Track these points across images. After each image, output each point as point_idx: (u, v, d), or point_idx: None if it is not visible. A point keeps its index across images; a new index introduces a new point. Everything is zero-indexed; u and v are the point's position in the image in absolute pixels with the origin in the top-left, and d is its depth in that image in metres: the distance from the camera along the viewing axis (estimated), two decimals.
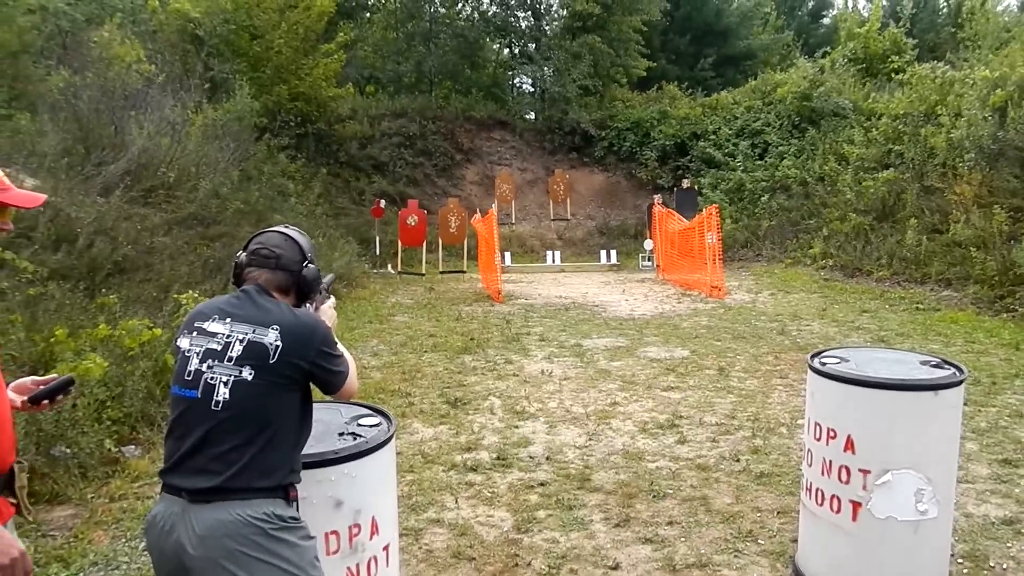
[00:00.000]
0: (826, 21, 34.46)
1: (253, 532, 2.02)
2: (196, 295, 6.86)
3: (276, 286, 2.26)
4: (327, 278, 2.50)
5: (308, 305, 2.35)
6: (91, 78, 11.49)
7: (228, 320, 2.16)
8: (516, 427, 6.08)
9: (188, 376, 2.12)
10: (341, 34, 19.80)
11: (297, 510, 2.18)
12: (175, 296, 7.13)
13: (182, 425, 2.11)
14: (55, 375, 2.36)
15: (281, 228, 2.38)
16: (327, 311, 2.42)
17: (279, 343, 2.11)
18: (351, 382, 2.31)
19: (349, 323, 10.52)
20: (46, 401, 2.28)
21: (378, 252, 17.04)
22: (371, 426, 2.77)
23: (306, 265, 2.30)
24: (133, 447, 5.42)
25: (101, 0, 15.84)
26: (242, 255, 2.30)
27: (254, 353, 2.10)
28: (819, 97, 19.67)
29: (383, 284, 14.88)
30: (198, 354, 2.13)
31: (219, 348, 2.12)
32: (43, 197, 2.22)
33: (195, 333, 2.18)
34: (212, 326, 2.16)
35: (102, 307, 6.57)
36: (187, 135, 12.36)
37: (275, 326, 2.13)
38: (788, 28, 31.24)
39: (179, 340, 2.21)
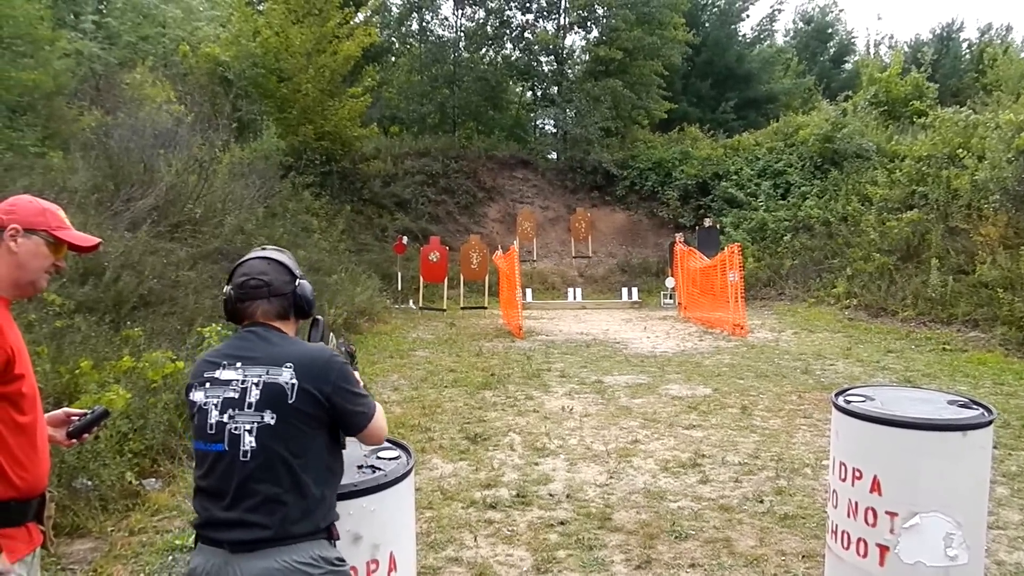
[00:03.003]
0: (848, 66, 34.59)
1: None
2: (219, 328, 6.90)
3: (276, 314, 2.20)
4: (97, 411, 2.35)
5: (328, 331, 2.31)
6: (122, 118, 11.75)
7: (239, 365, 2.10)
8: (536, 464, 6.02)
9: (211, 430, 2.06)
10: (367, 78, 20.14)
11: (336, 548, 2.15)
12: (199, 329, 7.18)
13: (213, 480, 2.06)
14: (86, 409, 2.36)
15: (259, 252, 2.29)
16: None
17: (295, 380, 2.05)
18: (377, 424, 2.22)
19: (370, 358, 10.52)
20: (86, 435, 2.30)
21: (400, 287, 17.12)
22: (390, 459, 2.74)
23: (298, 283, 2.24)
24: (154, 480, 5.42)
25: (134, 45, 16.27)
26: (228, 289, 2.23)
27: (272, 395, 2.04)
28: (842, 139, 19.68)
29: (404, 319, 14.91)
30: (216, 405, 2.07)
31: (236, 396, 2.06)
32: (97, 240, 2.25)
33: (208, 384, 2.11)
34: (225, 374, 2.10)
35: (127, 339, 6.63)
36: (214, 172, 12.56)
37: (288, 364, 2.07)
38: (810, 73, 31.40)
39: (192, 394, 2.14)
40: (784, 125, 22.10)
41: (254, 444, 2.02)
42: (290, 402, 2.04)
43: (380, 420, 2.24)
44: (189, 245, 10.10)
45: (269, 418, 2.03)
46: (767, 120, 24.50)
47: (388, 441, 2.94)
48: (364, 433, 2.20)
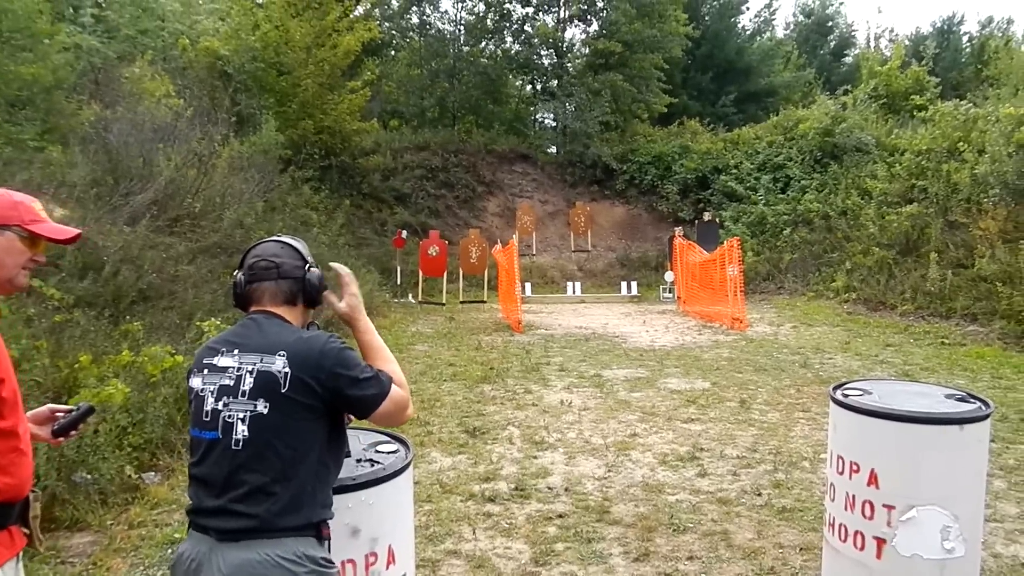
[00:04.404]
0: (848, 60, 34.54)
1: (281, 574, 1.94)
2: (219, 322, 6.90)
3: (283, 298, 2.17)
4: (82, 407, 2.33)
5: (313, 324, 2.25)
6: (121, 112, 11.71)
7: (236, 352, 2.07)
8: (535, 457, 6.03)
9: (206, 417, 2.04)
10: (367, 72, 20.10)
11: (329, 550, 2.10)
12: (198, 323, 7.18)
13: (205, 468, 2.04)
14: (72, 406, 2.32)
15: (275, 237, 2.28)
16: (351, 300, 2.26)
17: (287, 369, 2.01)
18: (391, 405, 2.13)
19: None
20: (72, 432, 2.28)
21: (399, 282, 17.12)
22: (389, 452, 2.74)
23: (309, 269, 2.21)
24: (153, 474, 5.43)
25: (133, 39, 16.21)
26: (239, 274, 2.21)
27: (265, 384, 2.01)
28: (841, 133, 19.69)
29: (404, 313, 14.92)
30: (212, 392, 2.04)
31: (232, 383, 2.04)
32: (76, 231, 2.15)
33: (206, 371, 2.09)
34: (222, 360, 2.07)
35: (126, 334, 6.62)
36: (213, 167, 12.53)
37: (282, 352, 2.03)
38: (810, 66, 31.35)
39: (191, 380, 2.12)
40: (784, 119, 22.09)
41: (246, 433, 1.99)
42: (283, 391, 2.01)
43: (396, 399, 2.14)
44: (188, 239, 10.09)
45: (262, 407, 2.00)
46: (767, 114, 24.48)
47: (386, 435, 2.94)
48: (376, 415, 2.12)
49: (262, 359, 2.04)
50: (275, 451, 2.00)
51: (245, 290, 2.20)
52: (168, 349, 6.29)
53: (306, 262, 2.23)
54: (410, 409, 2.23)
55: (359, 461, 2.65)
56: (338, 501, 2.42)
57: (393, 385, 2.16)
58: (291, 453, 2.01)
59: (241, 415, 2.01)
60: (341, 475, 2.42)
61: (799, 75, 30.08)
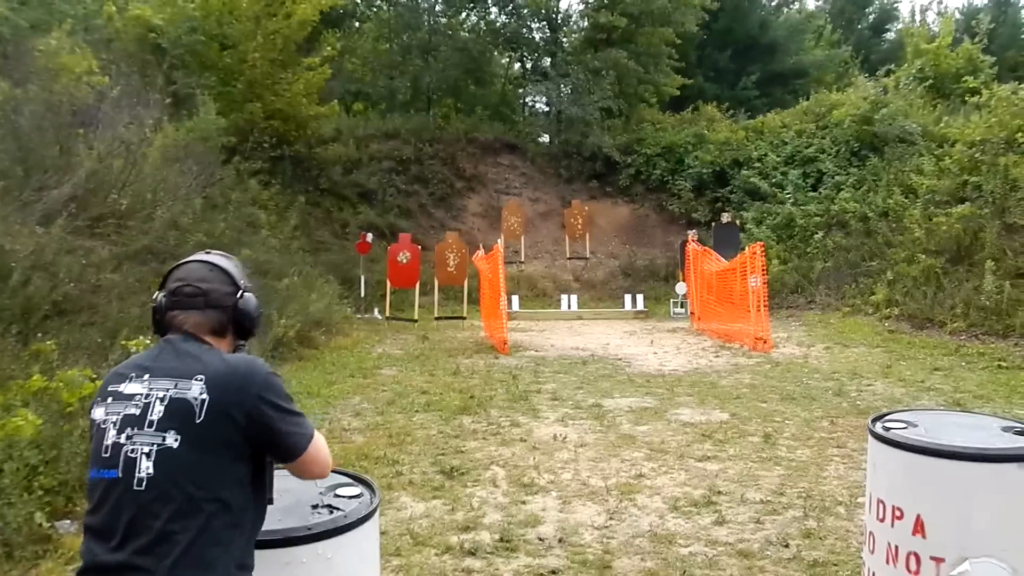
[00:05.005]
0: (890, 36, 34.89)
1: None
2: (148, 341, 6.86)
3: (209, 329, 2.18)
4: None
5: (242, 346, 2.27)
6: (34, 91, 11.66)
7: (146, 377, 2.06)
8: (523, 503, 6.02)
9: (105, 452, 2.00)
10: (327, 46, 20.11)
11: None
12: (124, 343, 7.13)
13: (101, 514, 1.99)
14: None
15: (202, 256, 2.29)
16: None
17: (205, 395, 2.00)
18: (317, 449, 2.16)
19: (328, 377, 10.50)
20: None
21: (363, 294, 17.09)
22: (351, 497, 2.72)
23: (241, 295, 2.22)
24: (68, 522, 5.37)
25: (49, 5, 16.17)
26: (160, 296, 2.21)
27: (177, 412, 1.99)
28: (882, 120, 19.84)
29: (368, 332, 14.88)
30: (115, 423, 2.01)
31: (138, 412, 2.01)
32: None
33: (110, 399, 2.06)
34: (129, 387, 2.05)
35: (37, 355, 6.58)
36: (143, 157, 12.50)
37: (199, 376, 2.02)
38: (845, 43, 31.65)
39: (93, 411, 2.09)
40: (815, 104, 22.27)
41: (151, 471, 1.96)
42: (197, 421, 1.99)
43: (322, 447, 2.19)
44: (113, 243, 10.05)
45: (172, 440, 1.98)
46: (795, 98, 24.69)
47: (349, 476, 2.93)
48: (303, 460, 2.14)
49: (176, 384, 2.03)
50: (185, 493, 1.96)
51: (165, 316, 2.20)
52: (88, 373, 6.24)
53: (238, 288, 2.23)
54: (330, 466, 2.26)
55: (315, 507, 2.64)
56: (289, 555, 2.41)
57: (317, 434, 2.19)
58: (204, 495, 1.98)
59: (146, 449, 1.97)
60: (294, 524, 2.43)
61: (833, 53, 30.36)
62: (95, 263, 9.08)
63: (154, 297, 2.24)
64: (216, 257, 2.28)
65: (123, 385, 2.07)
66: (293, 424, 2.10)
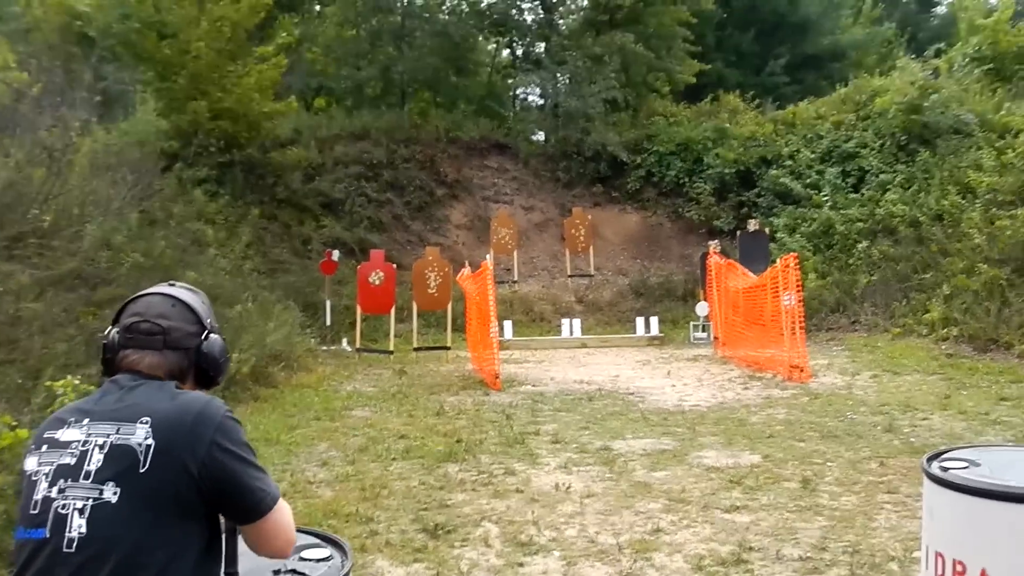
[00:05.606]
0: (940, 10, 35.13)
1: None
2: (77, 382, 6.84)
3: (167, 372, 2.17)
4: None
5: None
6: None
7: (86, 421, 2.05)
8: (520, 565, 6.00)
9: (34, 509, 1.99)
10: (282, 33, 20.16)
11: None
12: (48, 384, 7.11)
13: None
14: None
15: (165, 288, 2.30)
16: None
17: (150, 441, 1.99)
18: (282, 514, 2.16)
19: (289, 420, 10.47)
20: None
21: (329, 322, 17.08)
22: (319, 560, 2.72)
23: (206, 337, 2.23)
24: None
25: None
26: (113, 332, 2.22)
27: (118, 461, 1.98)
28: (933, 109, 19.90)
29: (336, 366, 14.86)
30: (47, 475, 2.01)
31: (73, 462, 2.00)
32: None
33: (45, 447, 2.06)
34: (67, 433, 2.05)
35: None
36: (69, 165, 12.52)
37: (144, 418, 2.01)
38: (889, 20, 31.80)
39: (26, 461, 2.09)
40: (855, 91, 22.39)
41: (83, 529, 1.94)
42: (141, 471, 1.97)
43: (287, 513, 2.19)
44: (34, 266, 10.04)
45: (110, 493, 1.96)
46: (831, 85, 24.80)
47: (316, 536, 2.93)
48: (266, 523, 2.12)
49: (118, 429, 2.02)
50: (123, 558, 1.94)
51: (116, 356, 2.20)
52: (7, 420, 6.22)
53: (203, 328, 2.25)
54: (294, 542, 2.26)
55: (278, 573, 2.64)
56: None
57: (281, 499, 2.18)
58: (146, 562, 1.96)
59: (79, 504, 1.96)
60: None
61: (874, 32, 30.55)
62: (14, 290, 9.06)
63: (106, 333, 2.24)
64: (180, 291, 2.29)
65: (60, 431, 2.06)
66: (256, 479, 2.09)
